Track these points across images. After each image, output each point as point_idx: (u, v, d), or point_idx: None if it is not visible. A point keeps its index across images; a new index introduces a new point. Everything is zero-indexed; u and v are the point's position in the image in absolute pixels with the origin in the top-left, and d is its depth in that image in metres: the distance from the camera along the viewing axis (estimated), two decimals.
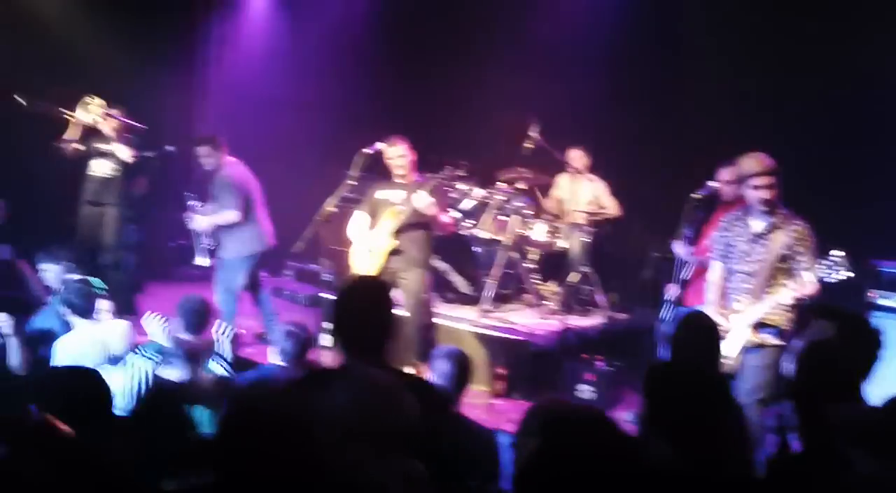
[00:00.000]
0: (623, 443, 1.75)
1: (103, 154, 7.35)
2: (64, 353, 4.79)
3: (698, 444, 2.43)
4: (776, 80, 7.46)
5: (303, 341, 4.82)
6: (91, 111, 7.25)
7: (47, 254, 5.84)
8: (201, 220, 7.14)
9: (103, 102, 7.30)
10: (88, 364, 4.40)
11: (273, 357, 4.85)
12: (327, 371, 2.92)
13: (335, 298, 3.04)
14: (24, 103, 7.01)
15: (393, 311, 3.00)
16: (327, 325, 6.45)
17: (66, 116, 7.20)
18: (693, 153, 6.43)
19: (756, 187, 4.73)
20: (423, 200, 6.00)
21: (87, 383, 3.33)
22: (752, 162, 4.77)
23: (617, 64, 8.25)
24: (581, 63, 8.37)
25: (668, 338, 3.68)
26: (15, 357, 4.79)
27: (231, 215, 7.05)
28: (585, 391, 6.59)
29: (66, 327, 5.12)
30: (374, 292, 3.03)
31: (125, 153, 7.25)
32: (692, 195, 5.72)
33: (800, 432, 2.82)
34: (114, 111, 7.36)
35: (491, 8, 9.00)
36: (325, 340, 6.63)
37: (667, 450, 2.32)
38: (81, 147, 7.32)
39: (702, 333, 3.74)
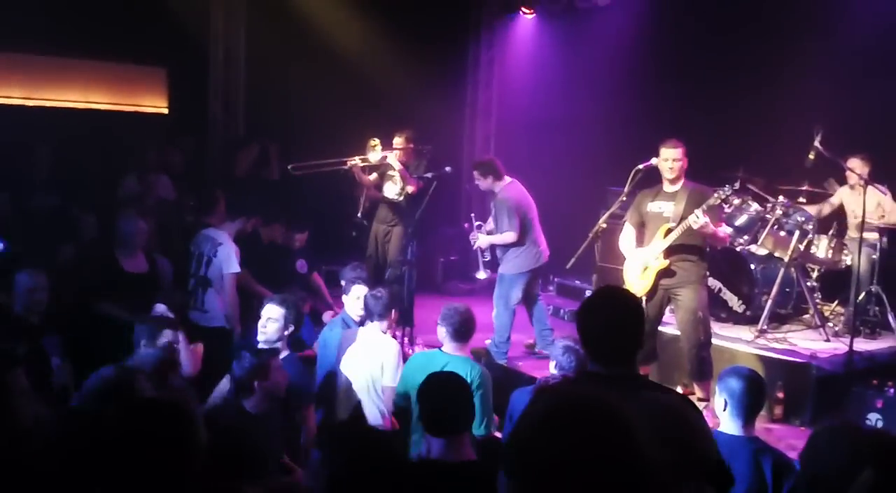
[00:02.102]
0: None
1: (392, 182, 8.19)
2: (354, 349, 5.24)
3: None
4: None
5: (581, 357, 4.84)
6: (376, 151, 8.07)
7: (350, 268, 6.33)
8: (483, 239, 7.58)
9: (378, 141, 8.07)
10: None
11: (552, 371, 4.91)
12: (601, 378, 2.88)
13: (581, 307, 3.03)
14: (294, 170, 7.93)
15: (641, 322, 3.00)
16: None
17: (353, 165, 8.06)
18: None
19: None
20: (699, 220, 5.85)
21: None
22: None
23: None
24: (874, 69, 7.79)
25: None
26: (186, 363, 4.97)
27: (509, 236, 7.36)
28: (875, 420, 6.12)
29: (346, 333, 5.58)
30: (622, 302, 3.01)
31: (409, 187, 8.07)
32: None
33: None
34: (398, 140, 8.15)
35: (772, 15, 8.61)
36: None
37: None
38: (372, 178, 8.29)
39: None
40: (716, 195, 5.97)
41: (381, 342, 5.24)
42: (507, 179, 7.50)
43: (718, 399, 3.76)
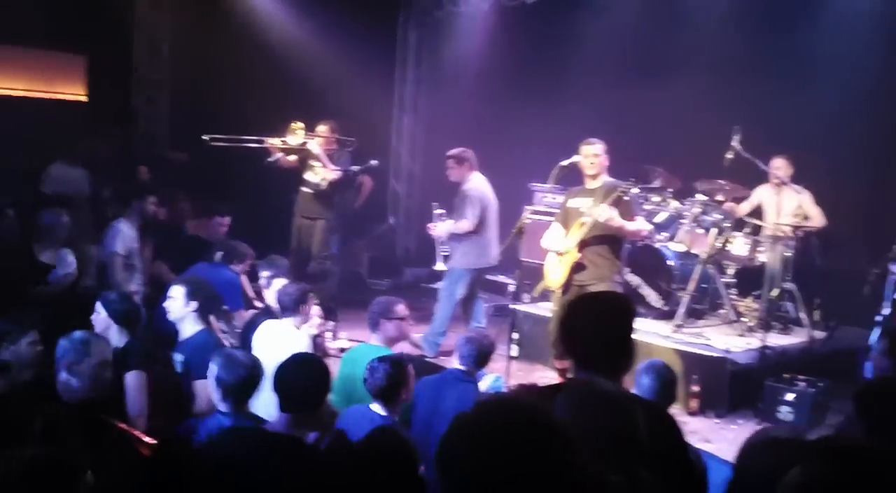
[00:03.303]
0: None
1: (312, 173, 8.04)
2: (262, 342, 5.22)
3: None
4: None
5: (482, 348, 4.87)
6: (298, 135, 7.94)
7: (267, 262, 6.27)
8: (440, 227, 7.59)
9: (303, 126, 7.94)
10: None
11: (455, 363, 4.95)
12: (553, 387, 2.84)
13: (566, 310, 2.96)
14: (210, 141, 7.74)
15: (629, 327, 2.85)
16: (515, 335, 6.54)
17: (271, 145, 7.91)
18: None
19: None
20: (604, 213, 5.95)
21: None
22: None
23: (835, 72, 7.82)
24: (795, 71, 8.00)
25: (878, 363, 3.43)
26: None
27: (465, 225, 7.41)
28: (786, 413, 6.32)
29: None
30: (605, 306, 2.93)
31: (328, 174, 7.90)
32: None
33: None
34: (323, 128, 7.90)
35: (696, 18, 8.81)
36: (513, 350, 6.72)
37: None
38: (291, 158, 7.99)
39: None
40: (619, 190, 6.07)
41: (291, 336, 5.18)
42: (477, 173, 7.59)
43: (634, 393, 3.84)
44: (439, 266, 7.72)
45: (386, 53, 11.31)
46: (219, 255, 6.82)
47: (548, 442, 1.58)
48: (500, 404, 1.71)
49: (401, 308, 5.03)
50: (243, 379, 3.78)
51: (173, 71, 9.92)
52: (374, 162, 7.51)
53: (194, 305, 4.96)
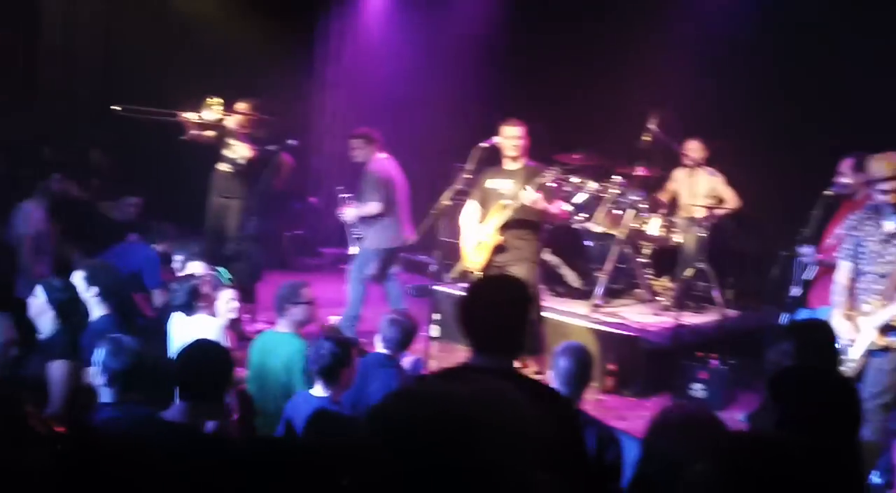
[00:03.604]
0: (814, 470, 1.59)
1: (229, 150, 7.84)
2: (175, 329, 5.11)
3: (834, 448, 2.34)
4: None
5: (406, 330, 4.86)
6: (214, 111, 7.72)
7: (180, 245, 6.13)
8: (349, 211, 7.50)
9: (221, 101, 7.73)
10: None
11: (378, 346, 4.92)
12: (448, 372, 2.84)
13: (465, 293, 2.94)
14: (121, 111, 7.53)
15: (527, 310, 2.87)
16: (436, 316, 6.55)
17: (185, 119, 7.70)
18: (830, 148, 6.20)
19: (884, 191, 4.55)
20: (530, 196, 5.99)
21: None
22: (879, 165, 4.58)
23: (749, 57, 8.00)
24: (711, 56, 8.13)
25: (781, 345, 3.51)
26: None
27: (372, 207, 7.32)
28: (698, 390, 6.48)
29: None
30: (505, 289, 2.92)
31: (245, 151, 7.71)
32: (825, 193, 5.52)
33: None
34: (242, 106, 7.75)
35: (614, 2, 8.89)
36: (434, 330, 6.73)
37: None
38: (209, 134, 7.82)
39: (817, 343, 3.57)
40: (545, 174, 6.11)
41: (203, 324, 5.06)
42: (382, 154, 7.47)
43: (550, 374, 3.92)
44: (353, 250, 7.65)
45: (307, 29, 11.11)
46: (132, 236, 6.65)
47: (464, 436, 1.57)
48: (416, 396, 1.68)
49: (307, 292, 4.91)
50: (128, 366, 3.72)
51: (84, 45, 9.57)
52: (292, 141, 7.39)
53: (94, 290, 4.81)
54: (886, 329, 4.55)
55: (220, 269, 5.76)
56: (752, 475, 1.48)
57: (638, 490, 2.45)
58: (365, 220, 7.45)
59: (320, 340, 4.23)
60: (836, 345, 3.69)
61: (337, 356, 4.11)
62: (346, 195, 7.66)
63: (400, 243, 7.53)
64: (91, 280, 4.81)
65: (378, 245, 7.44)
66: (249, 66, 9.31)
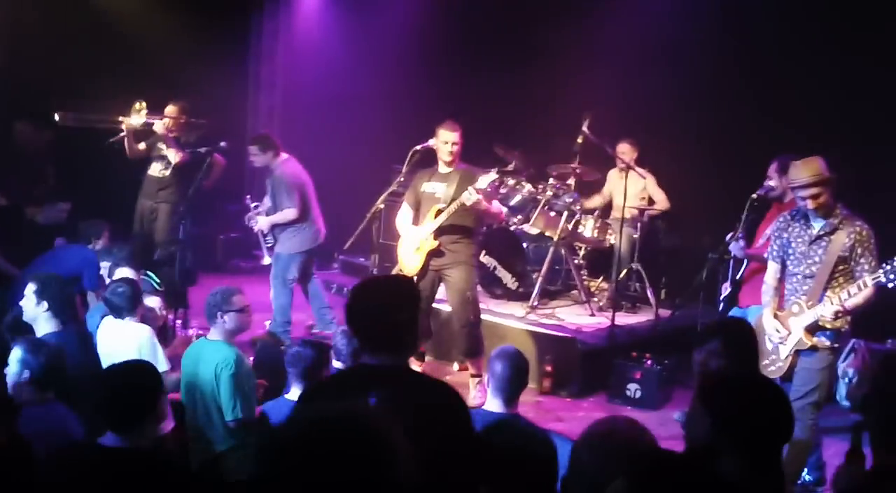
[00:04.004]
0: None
1: (159, 154, 7.74)
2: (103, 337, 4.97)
3: (767, 459, 2.37)
4: (844, 76, 7.26)
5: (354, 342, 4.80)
6: (142, 116, 7.60)
7: (105, 251, 5.98)
8: (263, 220, 7.42)
9: (144, 105, 7.63)
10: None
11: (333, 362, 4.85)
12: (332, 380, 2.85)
13: (349, 296, 2.96)
14: (58, 120, 7.43)
15: (408, 308, 2.90)
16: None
17: (113, 123, 7.58)
18: (757, 150, 6.31)
19: (804, 198, 4.65)
20: (472, 197, 5.97)
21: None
22: (798, 171, 4.67)
23: (681, 59, 8.08)
24: (644, 58, 8.22)
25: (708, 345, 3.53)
26: None
27: (290, 214, 7.25)
28: (634, 390, 6.55)
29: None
30: (388, 289, 2.96)
31: (174, 157, 7.62)
32: (752, 195, 5.62)
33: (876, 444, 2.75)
34: (171, 109, 7.64)
35: (547, 5, 8.93)
36: None
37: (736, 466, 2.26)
38: (141, 147, 7.73)
39: (741, 341, 3.61)
40: (483, 178, 6.11)
41: (129, 331, 4.96)
42: (284, 155, 7.37)
43: (488, 379, 3.91)
44: (266, 260, 7.54)
45: (241, 28, 10.93)
46: (59, 241, 6.46)
47: (374, 453, 1.55)
48: (324, 416, 1.65)
49: (240, 299, 4.77)
50: (46, 365, 3.67)
51: (9, 46, 9.23)
52: (223, 143, 7.25)
53: (45, 305, 4.65)
54: (814, 329, 4.65)
55: (149, 274, 5.63)
56: None
57: None
58: (279, 225, 7.36)
59: (298, 348, 4.33)
60: (756, 343, 3.73)
61: (316, 359, 4.22)
62: (254, 204, 7.57)
63: (317, 243, 7.48)
64: (41, 294, 4.64)
65: (298, 248, 7.36)
66: (181, 67, 9.08)
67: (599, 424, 2.37)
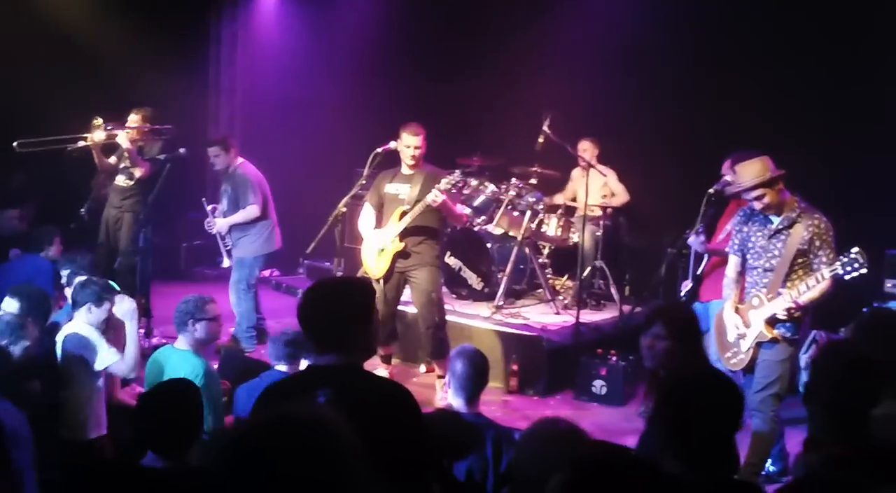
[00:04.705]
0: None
1: (123, 163, 7.66)
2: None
3: (717, 460, 2.40)
4: (797, 73, 7.36)
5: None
6: (100, 130, 7.51)
7: (67, 259, 5.90)
8: (221, 222, 7.35)
9: (101, 121, 7.52)
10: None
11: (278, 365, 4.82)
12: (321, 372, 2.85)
13: (301, 298, 2.94)
14: (17, 148, 7.35)
15: (361, 309, 2.89)
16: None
17: (76, 144, 7.50)
18: (716, 147, 6.38)
19: (748, 199, 4.72)
20: (438, 198, 5.97)
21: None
22: (740, 174, 4.75)
23: (640, 59, 8.16)
24: (602, 58, 8.28)
25: (651, 329, 3.56)
26: None
27: (252, 211, 7.22)
28: (600, 387, 6.58)
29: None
30: (339, 291, 2.95)
31: (137, 172, 7.55)
32: (709, 191, 5.68)
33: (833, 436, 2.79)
34: (136, 117, 7.66)
35: (506, 7, 8.97)
36: None
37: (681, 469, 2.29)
38: (111, 160, 7.72)
39: (682, 322, 3.65)
40: (447, 179, 6.11)
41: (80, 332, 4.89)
42: (240, 158, 7.39)
43: (439, 381, 3.90)
44: (226, 263, 7.49)
45: (199, 33, 10.84)
46: (14, 252, 6.37)
47: (327, 452, 1.56)
48: (279, 420, 1.65)
49: (213, 308, 4.69)
50: None
51: None
52: (182, 150, 7.19)
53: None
54: (774, 321, 4.70)
55: (111, 283, 5.54)
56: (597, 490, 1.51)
57: None
58: (238, 227, 7.32)
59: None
60: (697, 321, 3.75)
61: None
62: (211, 206, 7.49)
63: (276, 248, 7.46)
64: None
65: (261, 251, 7.35)
66: (139, 76, 8.99)
67: (542, 422, 2.39)
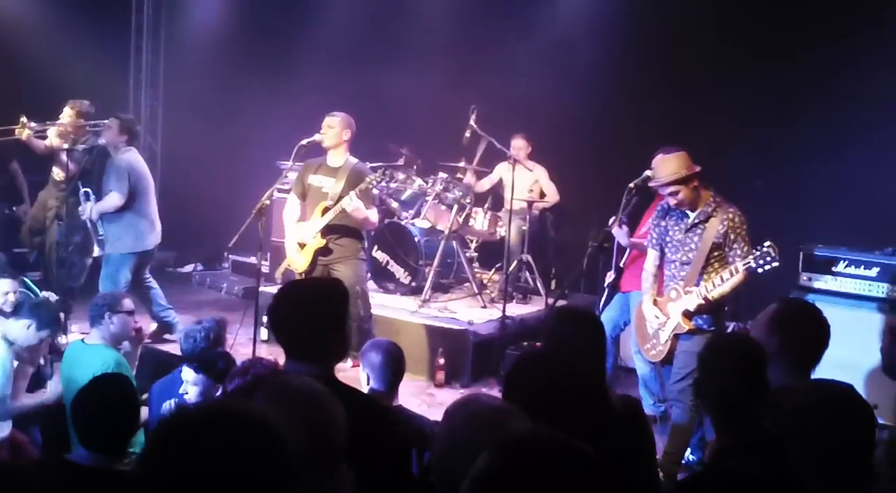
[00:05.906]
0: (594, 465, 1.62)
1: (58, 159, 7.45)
2: None
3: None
4: (727, 70, 7.50)
5: (208, 338, 4.65)
6: (30, 126, 7.36)
7: None
8: (89, 207, 6.89)
9: (25, 119, 7.38)
10: None
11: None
12: (257, 380, 2.79)
13: (273, 301, 2.88)
14: None
15: (338, 318, 2.84)
16: (266, 318, 6.38)
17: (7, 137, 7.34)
18: (644, 144, 6.47)
19: (666, 194, 4.81)
20: (353, 204, 5.95)
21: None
22: (657, 170, 4.86)
23: (569, 56, 8.23)
24: (532, 55, 8.33)
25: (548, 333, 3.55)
26: None
27: (114, 198, 6.74)
28: None
29: None
30: (311, 295, 2.88)
31: (59, 175, 7.36)
32: (629, 185, 5.75)
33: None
34: (70, 112, 7.48)
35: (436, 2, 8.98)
36: (263, 333, 6.59)
37: None
38: (46, 143, 7.53)
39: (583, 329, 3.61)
40: (368, 180, 6.08)
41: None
42: (131, 147, 6.97)
43: (362, 374, 3.87)
44: (97, 251, 6.94)
45: (118, 22, 10.56)
46: None
47: (262, 450, 1.54)
48: (207, 413, 1.63)
49: (129, 303, 4.66)
50: None
51: None
52: (101, 141, 7.00)
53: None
54: (692, 314, 4.80)
55: (26, 282, 5.42)
56: (523, 472, 1.50)
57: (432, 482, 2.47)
58: (109, 218, 6.83)
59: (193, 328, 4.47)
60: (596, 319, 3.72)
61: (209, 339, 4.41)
62: (85, 190, 6.97)
63: (152, 246, 7.02)
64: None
65: (129, 248, 6.85)
66: (61, 68, 8.74)
67: (466, 399, 2.38)
